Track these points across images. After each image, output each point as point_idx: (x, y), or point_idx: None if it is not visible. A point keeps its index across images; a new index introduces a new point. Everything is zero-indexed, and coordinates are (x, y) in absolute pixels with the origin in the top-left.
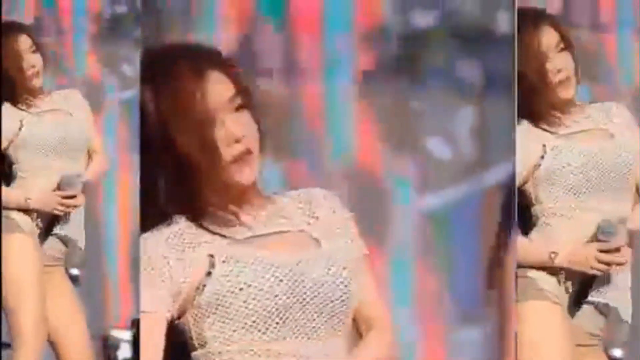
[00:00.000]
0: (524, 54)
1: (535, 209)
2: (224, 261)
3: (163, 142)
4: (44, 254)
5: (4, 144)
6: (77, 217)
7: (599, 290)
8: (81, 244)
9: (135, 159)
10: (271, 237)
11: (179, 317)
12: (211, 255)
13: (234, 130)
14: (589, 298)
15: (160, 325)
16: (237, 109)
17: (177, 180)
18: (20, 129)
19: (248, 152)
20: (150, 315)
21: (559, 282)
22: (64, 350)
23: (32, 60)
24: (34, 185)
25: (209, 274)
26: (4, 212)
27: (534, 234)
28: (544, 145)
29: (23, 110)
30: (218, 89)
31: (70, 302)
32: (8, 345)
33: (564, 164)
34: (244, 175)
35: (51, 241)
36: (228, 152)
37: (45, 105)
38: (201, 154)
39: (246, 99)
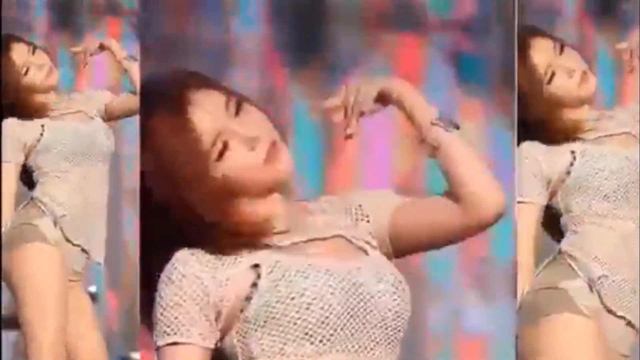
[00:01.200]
0: (528, 78)
1: (564, 219)
2: (271, 271)
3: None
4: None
5: (25, 153)
6: (98, 231)
7: (629, 307)
8: (100, 259)
9: None
10: (313, 243)
11: (222, 338)
12: (256, 265)
13: (246, 132)
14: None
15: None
16: (237, 112)
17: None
18: (41, 134)
19: (273, 145)
20: (184, 345)
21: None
22: None
23: (36, 61)
24: (54, 190)
25: (254, 285)
26: (25, 219)
27: (563, 246)
28: (573, 152)
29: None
30: (209, 103)
31: (89, 320)
32: None
33: (596, 169)
34: (282, 165)
35: (72, 253)
36: (255, 155)
37: (64, 107)
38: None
39: (239, 98)
